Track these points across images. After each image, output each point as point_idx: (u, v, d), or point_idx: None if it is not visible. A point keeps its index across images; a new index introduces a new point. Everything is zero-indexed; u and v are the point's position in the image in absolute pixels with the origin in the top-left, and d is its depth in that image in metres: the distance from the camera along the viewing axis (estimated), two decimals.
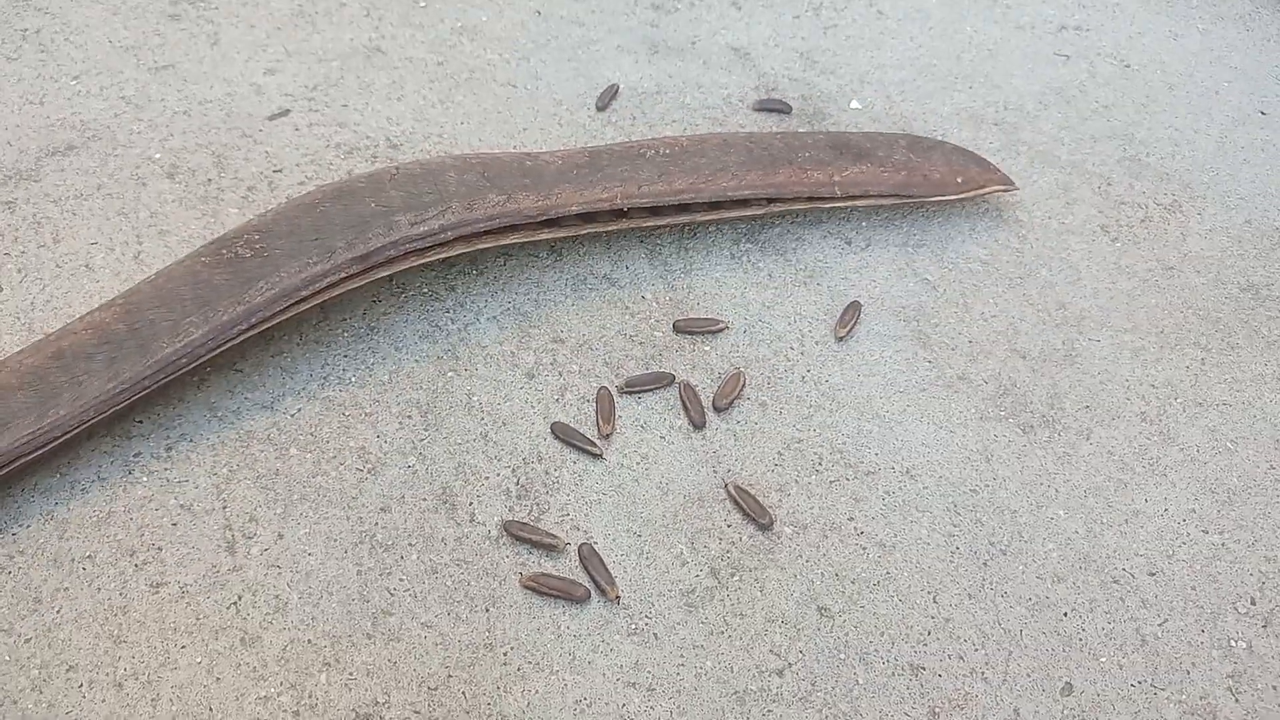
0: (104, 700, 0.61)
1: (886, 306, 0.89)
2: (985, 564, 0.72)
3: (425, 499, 0.73)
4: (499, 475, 0.75)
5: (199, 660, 0.63)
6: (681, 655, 0.66)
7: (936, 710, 0.64)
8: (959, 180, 0.92)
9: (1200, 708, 0.65)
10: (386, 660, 0.64)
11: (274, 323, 0.74)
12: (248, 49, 1.08)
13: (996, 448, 0.78)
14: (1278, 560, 0.73)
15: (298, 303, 0.74)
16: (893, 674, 0.66)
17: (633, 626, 0.67)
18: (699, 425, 0.78)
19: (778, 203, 0.88)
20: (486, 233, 0.80)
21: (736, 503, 0.74)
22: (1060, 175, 1.01)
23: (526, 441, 0.77)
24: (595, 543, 0.71)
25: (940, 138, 1.02)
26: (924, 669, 0.66)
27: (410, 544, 0.70)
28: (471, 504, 0.73)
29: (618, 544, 0.71)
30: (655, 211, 0.86)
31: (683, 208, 0.87)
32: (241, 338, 0.72)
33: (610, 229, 0.86)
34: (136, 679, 0.62)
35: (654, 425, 0.79)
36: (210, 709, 0.62)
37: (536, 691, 0.64)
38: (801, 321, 0.87)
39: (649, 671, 0.65)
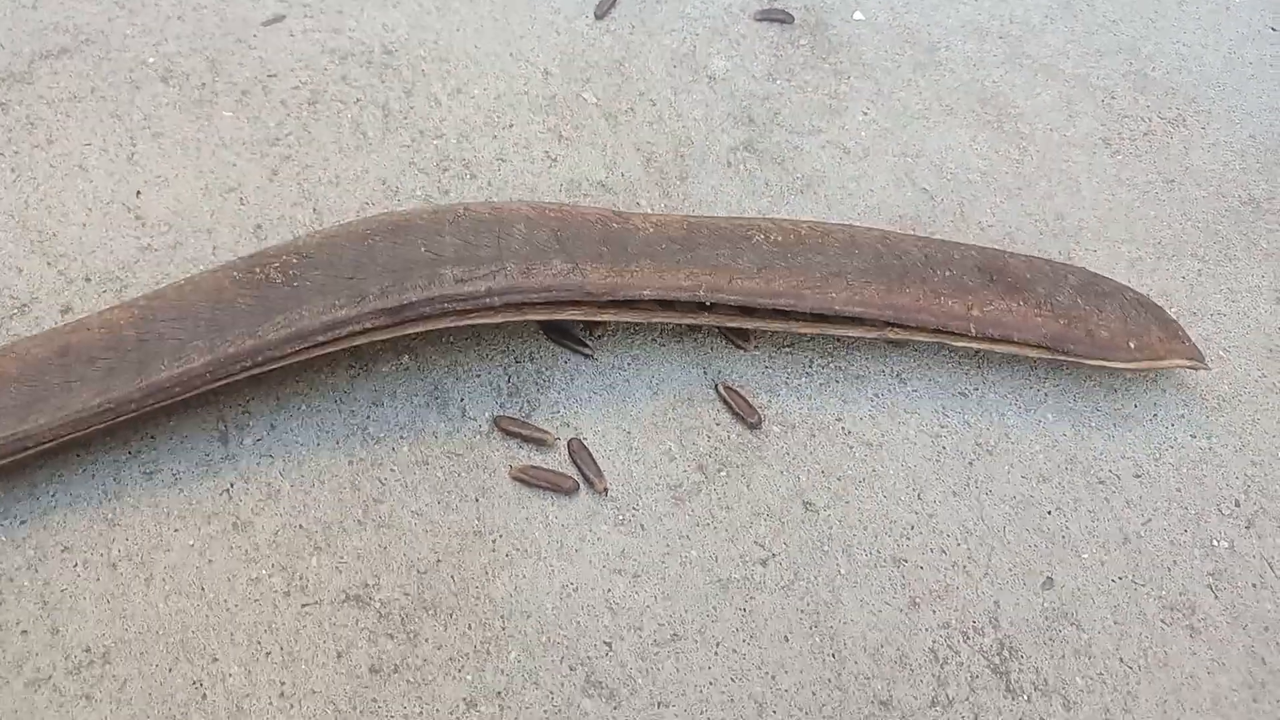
0: (98, 579, 0.63)
1: (884, 215, 0.88)
2: (971, 463, 0.72)
3: (417, 395, 0.73)
4: (491, 374, 0.75)
5: (191, 543, 0.65)
6: (667, 545, 0.67)
7: (917, 600, 0.65)
8: (1131, 345, 0.73)
9: (1180, 603, 0.66)
10: (377, 545, 0.65)
11: (284, 364, 0.67)
12: None
13: (988, 353, 0.78)
14: (1264, 464, 0.73)
15: (314, 347, 0.66)
16: (875, 565, 0.67)
17: (620, 517, 0.68)
18: (691, 328, 0.78)
19: (897, 328, 0.73)
20: (541, 304, 0.70)
21: (726, 402, 0.74)
22: (1064, 88, 1.00)
23: (519, 342, 0.77)
24: (585, 438, 0.72)
25: (1115, 280, 0.80)
26: (906, 561, 0.67)
27: (402, 437, 0.71)
28: (463, 400, 0.73)
29: (607, 440, 0.72)
30: (746, 311, 0.73)
31: (780, 313, 0.73)
32: (245, 374, 0.66)
33: (689, 321, 0.72)
34: (130, 560, 0.64)
35: (646, 327, 0.79)
36: (202, 588, 0.63)
37: (524, 576, 0.65)
38: None
39: (635, 559, 0.66)
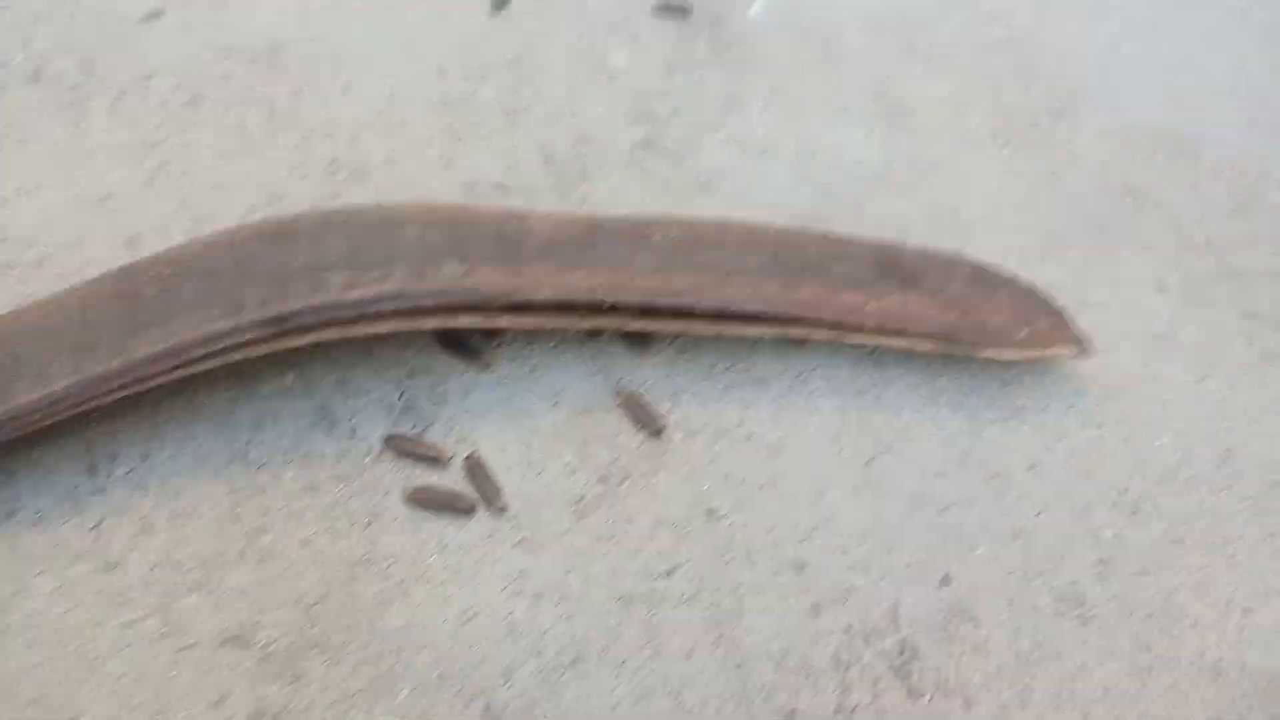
0: None
1: (784, 213, 0.88)
2: (869, 462, 0.72)
3: (303, 415, 0.70)
4: (382, 390, 0.72)
5: (56, 586, 0.61)
6: (568, 562, 0.66)
7: (819, 605, 0.65)
8: (1021, 334, 0.74)
9: (1070, 594, 0.67)
10: (260, 580, 0.63)
11: (157, 383, 0.62)
12: None
13: (885, 352, 0.79)
14: (1149, 452, 0.75)
15: (190, 363, 0.62)
16: (776, 572, 0.67)
17: (519, 536, 0.67)
18: (591, 334, 0.77)
19: (796, 324, 0.73)
20: (434, 310, 0.67)
21: (628, 410, 0.73)
22: (956, 82, 1.01)
23: (411, 354, 0.75)
24: (482, 454, 0.70)
25: (1007, 271, 0.79)
26: (808, 565, 0.67)
27: (287, 461, 0.68)
28: (353, 419, 0.71)
29: (506, 455, 0.70)
30: (647, 313, 0.71)
31: (681, 313, 0.72)
32: (115, 396, 0.61)
33: (589, 325, 0.71)
34: None
35: (544, 336, 0.77)
36: (65, 638, 0.59)
37: (419, 605, 0.63)
38: None
39: (535, 579, 0.65)
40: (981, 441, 0.74)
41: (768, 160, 0.92)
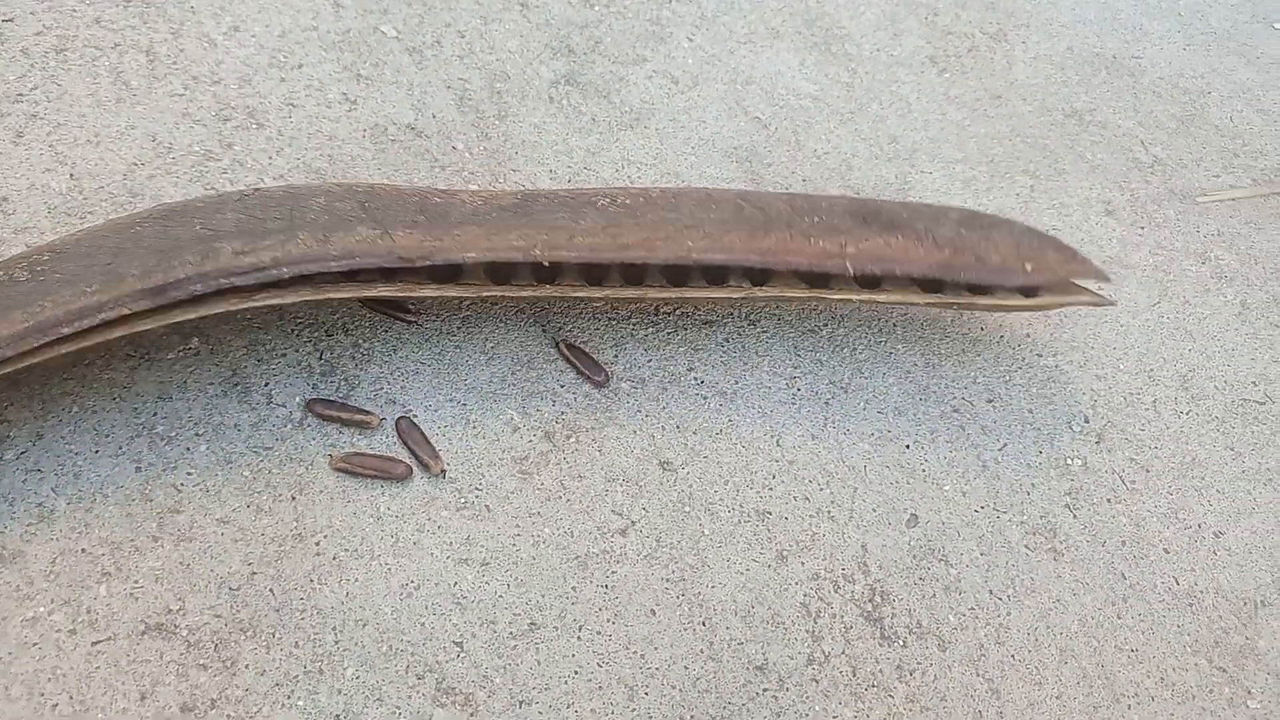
0: None
1: (718, 148, 0.83)
2: (827, 403, 0.69)
3: (212, 383, 0.64)
4: (299, 351, 0.66)
5: None
6: (517, 525, 0.61)
7: (785, 553, 0.62)
8: (1027, 267, 0.65)
9: (1041, 527, 0.66)
10: (177, 563, 0.56)
11: (22, 364, 0.54)
12: None
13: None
14: (1107, 378, 0.73)
15: (57, 342, 0.54)
16: (739, 521, 0.63)
17: (461, 501, 0.61)
18: None
19: (768, 284, 0.65)
20: (344, 278, 0.59)
21: (569, 361, 0.68)
22: (887, 6, 0.97)
23: (329, 313, 0.68)
24: (415, 415, 0.64)
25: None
26: (770, 513, 0.64)
27: (198, 434, 0.61)
28: (268, 384, 0.64)
29: (440, 415, 0.65)
30: (592, 278, 0.64)
31: (632, 277, 0.64)
32: None
33: (526, 295, 0.63)
34: None
35: None
36: None
37: (356, 579, 0.57)
38: (629, 167, 0.80)
39: (482, 546, 0.60)
40: (939, 376, 0.72)
41: (699, 93, 0.87)
